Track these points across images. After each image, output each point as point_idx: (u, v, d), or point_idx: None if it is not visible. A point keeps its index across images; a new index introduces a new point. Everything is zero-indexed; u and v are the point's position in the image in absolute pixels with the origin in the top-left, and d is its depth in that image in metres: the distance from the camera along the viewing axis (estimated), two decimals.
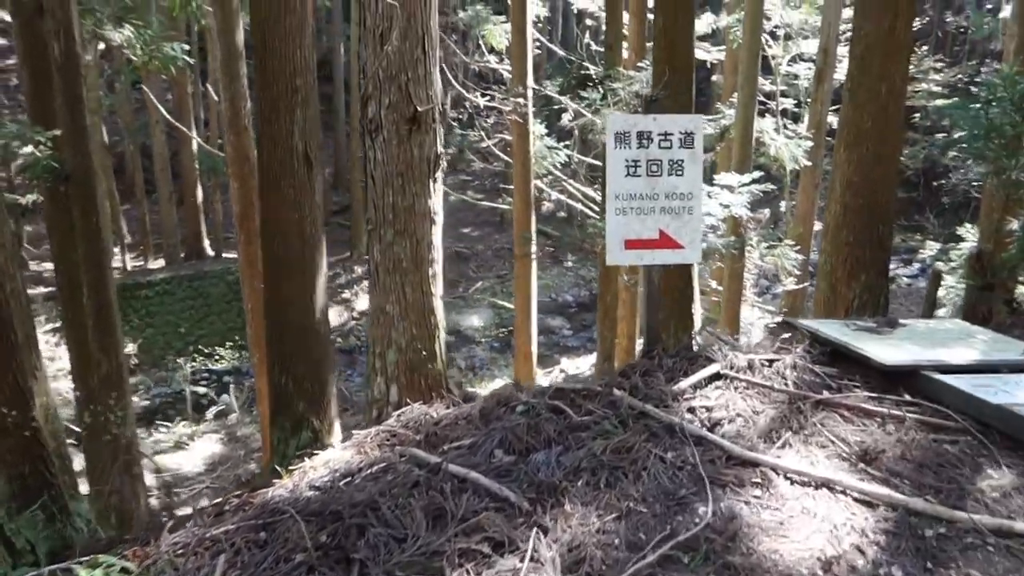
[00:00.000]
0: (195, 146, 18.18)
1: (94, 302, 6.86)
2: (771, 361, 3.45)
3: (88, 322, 6.95)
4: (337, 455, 3.29)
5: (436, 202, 3.71)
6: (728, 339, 3.90)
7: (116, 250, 20.15)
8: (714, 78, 17.38)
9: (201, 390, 15.69)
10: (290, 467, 3.27)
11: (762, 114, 11.47)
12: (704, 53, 12.27)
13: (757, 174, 6.21)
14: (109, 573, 2.39)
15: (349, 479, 2.88)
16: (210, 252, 21.17)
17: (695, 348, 3.76)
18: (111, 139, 20.69)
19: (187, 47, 7.66)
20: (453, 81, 12.81)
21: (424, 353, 3.75)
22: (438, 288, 3.79)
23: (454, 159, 25.14)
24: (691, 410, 3.04)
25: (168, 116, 13.52)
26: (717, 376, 3.31)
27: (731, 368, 3.36)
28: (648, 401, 3.08)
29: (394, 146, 3.55)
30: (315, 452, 5.46)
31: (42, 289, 17.59)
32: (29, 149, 6.70)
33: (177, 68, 7.95)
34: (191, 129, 18.46)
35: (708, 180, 6.37)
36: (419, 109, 3.48)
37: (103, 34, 6.59)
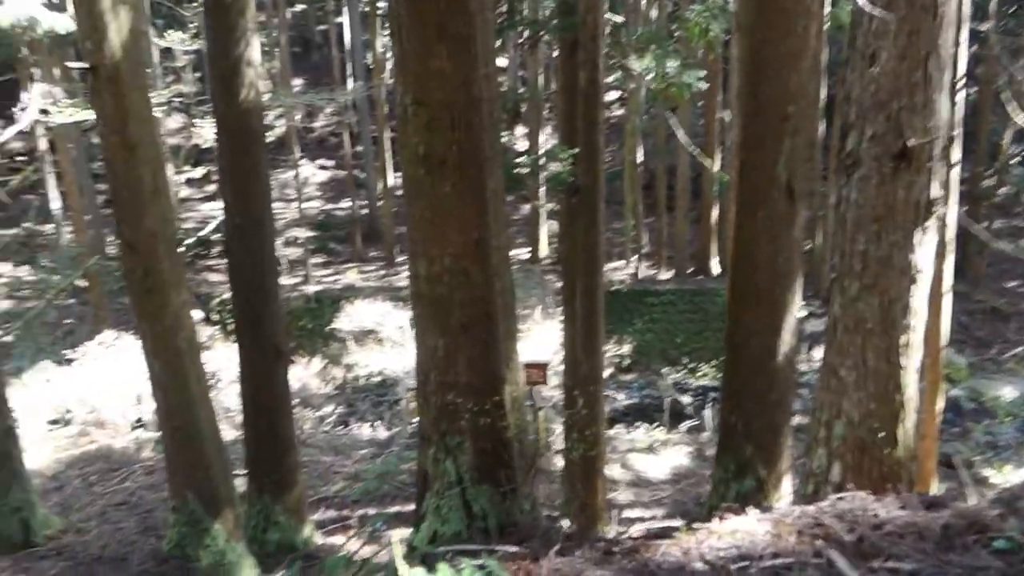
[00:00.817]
0: (715, 168, 18.75)
1: (584, 307, 7.45)
2: None
3: (576, 324, 7.60)
4: (748, 527, 2.90)
5: (922, 256, 3.00)
6: None
7: (634, 258, 21.98)
8: None
9: (686, 399, 16.18)
10: (691, 525, 2.98)
11: None
12: None
13: None
14: None
15: (745, 564, 2.50)
16: (715, 270, 21.65)
17: None
18: (646, 158, 22.62)
19: (703, 73, 7.81)
20: (1011, 112, 10.76)
21: (882, 434, 3.09)
22: (913, 360, 3.08)
23: (1007, 202, 21.19)
24: None
25: (683, 139, 14.06)
26: None
27: None
28: None
29: (873, 185, 2.96)
30: (757, 503, 5.03)
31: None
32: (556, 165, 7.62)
33: (693, 94, 8.18)
34: (714, 152, 19.05)
35: None
36: (910, 143, 2.84)
37: (625, 64, 7.12)
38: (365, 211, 25.53)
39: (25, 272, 21.48)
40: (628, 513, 9.67)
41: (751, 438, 5.13)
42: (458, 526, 4.81)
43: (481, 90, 4.38)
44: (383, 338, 15.01)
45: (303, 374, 13.44)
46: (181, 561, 5.88)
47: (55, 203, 19.91)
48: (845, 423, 3.15)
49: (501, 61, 29.80)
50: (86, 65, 5.13)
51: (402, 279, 20.75)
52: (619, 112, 29.92)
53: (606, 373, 17.81)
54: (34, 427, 12.38)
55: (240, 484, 7.94)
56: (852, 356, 3.09)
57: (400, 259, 23.03)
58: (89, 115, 12.67)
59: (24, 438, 12.41)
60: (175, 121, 22.41)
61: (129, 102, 5.57)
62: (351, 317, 16.19)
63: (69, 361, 13.77)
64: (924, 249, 3.00)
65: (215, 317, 19.33)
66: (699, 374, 17.30)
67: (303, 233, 21.52)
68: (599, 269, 7.43)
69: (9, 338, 17.02)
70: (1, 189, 16.21)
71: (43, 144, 19.44)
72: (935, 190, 2.97)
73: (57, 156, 18.72)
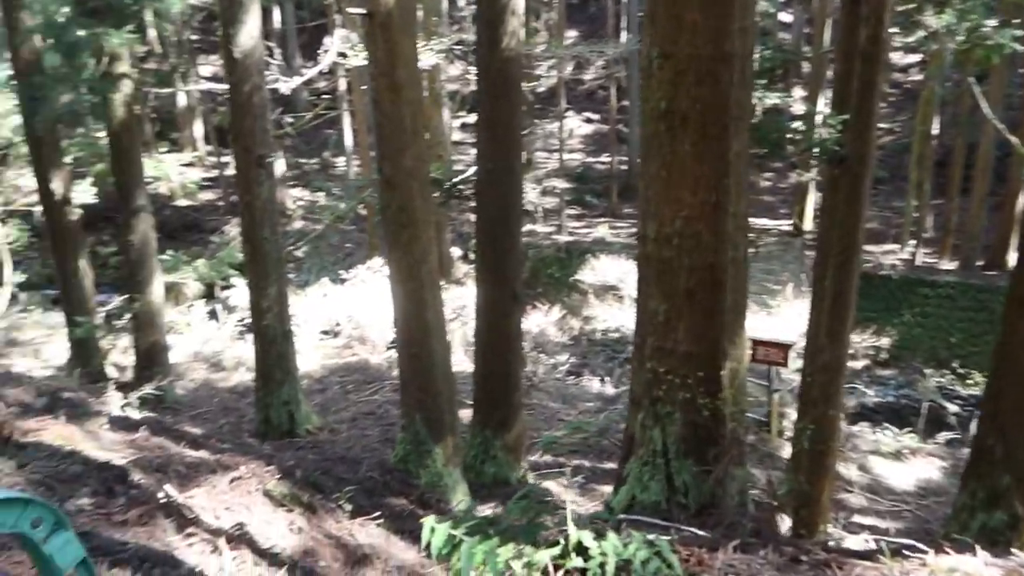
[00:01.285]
0: None
1: (834, 289, 6.82)
2: None
3: (824, 305, 6.99)
4: (972, 568, 2.48)
5: None
6: None
7: (912, 243, 19.75)
8: None
9: (952, 408, 14.40)
10: (902, 552, 2.62)
11: None
12: None
13: None
14: (649, 558, 2.35)
15: None
16: (1012, 265, 18.78)
17: None
18: (942, 131, 20.01)
19: (1020, 33, 6.57)
20: None
21: None
22: None
23: None
24: None
25: (988, 111, 12.08)
26: None
27: None
28: None
29: None
30: (1006, 543, 4.41)
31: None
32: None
33: (1009, 58, 6.96)
34: None
35: None
36: None
37: (921, 20, 6.19)
38: (624, 167, 25.45)
39: (319, 198, 24.37)
40: (858, 519, 8.89)
41: (1012, 467, 4.40)
42: (657, 496, 4.71)
43: (734, 45, 4.07)
44: (623, 295, 15.00)
45: (543, 321, 13.88)
46: (403, 475, 6.40)
47: (348, 138, 22.21)
48: None
49: (785, 16, 27.83)
50: (364, 11, 5.54)
51: None
52: (917, 77, 26.72)
53: (860, 365, 16.40)
54: (309, 335, 14.12)
55: (467, 416, 8.45)
56: None
57: None
58: None
59: (300, 343, 14.19)
60: (455, 68, 23.77)
61: (399, 47, 5.95)
62: (595, 271, 16.36)
63: (343, 281, 15.45)
64: None
65: (472, 256, 20.55)
66: (970, 382, 15.24)
67: (561, 184, 21.96)
68: (856, 249, 6.74)
69: (300, 254, 19.43)
70: (291, 126, 18.30)
71: (342, 84, 21.68)
72: None
73: (352, 96, 20.76)
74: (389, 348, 13.92)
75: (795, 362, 11.71)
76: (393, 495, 6.19)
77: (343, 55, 13.14)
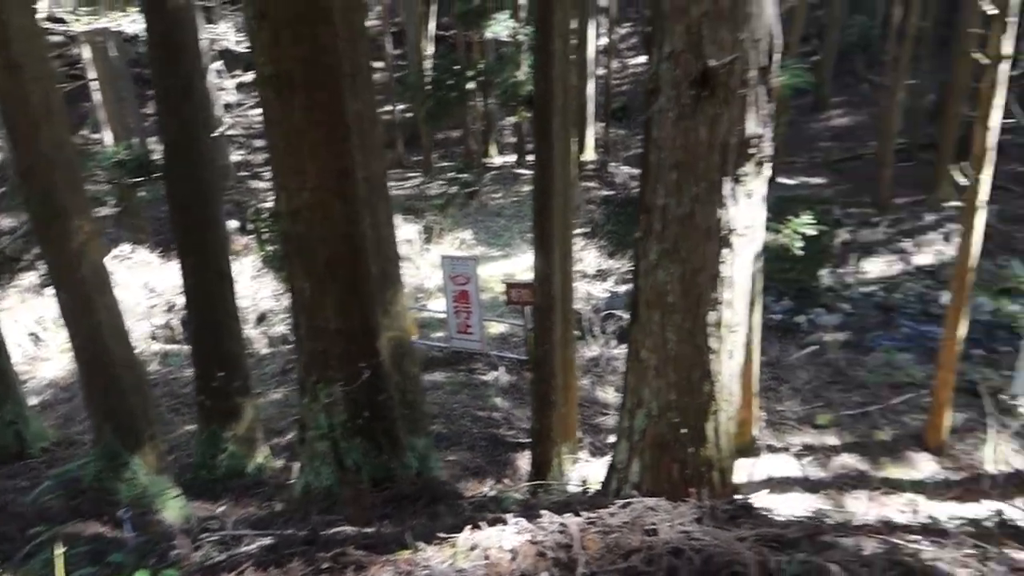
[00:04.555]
0: None
1: (537, 229, 6.85)
2: None
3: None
4: (495, 542, 2.40)
5: (738, 214, 2.30)
6: None
7: None
8: None
9: None
10: (439, 536, 2.51)
11: None
12: None
13: None
14: None
15: None
16: None
17: None
18: None
19: None
20: None
21: (684, 430, 2.51)
22: (728, 342, 2.44)
23: None
24: None
25: None
26: None
27: None
28: None
29: (671, 121, 2.26)
30: None
31: None
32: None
33: None
34: None
35: None
36: (711, 64, 2.09)
37: None
38: (410, 115, 24.85)
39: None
40: (613, 439, 9.25)
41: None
42: (330, 480, 4.51)
43: None
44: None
45: None
46: (99, 494, 5.83)
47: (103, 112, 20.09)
48: (645, 414, 2.58)
49: None
50: None
51: (434, 189, 20.28)
52: None
53: (623, 289, 17.08)
54: (56, 339, 12.79)
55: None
56: (652, 335, 2.47)
57: (442, 164, 22.48)
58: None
59: (47, 349, 12.80)
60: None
61: (10, 18, 5.18)
62: None
63: None
64: (742, 205, 2.29)
65: (250, 227, 19.41)
66: None
67: None
68: (550, 189, 6.78)
69: None
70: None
71: (87, 52, 19.45)
72: (752, 125, 2.23)
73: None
74: (151, 339, 12.92)
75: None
76: (86, 519, 5.64)
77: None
